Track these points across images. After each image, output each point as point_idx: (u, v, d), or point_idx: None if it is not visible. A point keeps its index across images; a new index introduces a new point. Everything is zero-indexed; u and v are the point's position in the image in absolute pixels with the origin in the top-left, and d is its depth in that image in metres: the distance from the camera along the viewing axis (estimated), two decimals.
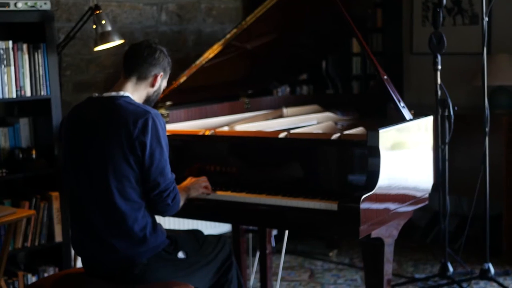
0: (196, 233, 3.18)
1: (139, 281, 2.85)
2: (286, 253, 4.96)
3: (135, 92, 2.96)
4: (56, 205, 4.08)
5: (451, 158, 4.40)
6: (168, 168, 2.87)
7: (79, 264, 4.18)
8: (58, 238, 4.09)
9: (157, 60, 2.98)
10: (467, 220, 4.81)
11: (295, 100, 4.56)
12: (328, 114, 4.13)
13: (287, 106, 4.33)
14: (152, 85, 3.00)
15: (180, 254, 2.96)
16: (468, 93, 5.16)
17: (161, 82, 3.05)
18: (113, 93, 2.92)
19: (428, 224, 5.37)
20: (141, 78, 2.97)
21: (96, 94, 2.98)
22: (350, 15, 3.59)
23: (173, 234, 3.03)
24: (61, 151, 4.04)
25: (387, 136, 3.04)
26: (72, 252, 4.15)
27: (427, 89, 5.21)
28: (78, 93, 4.61)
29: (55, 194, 4.07)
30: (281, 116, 4.21)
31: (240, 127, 3.75)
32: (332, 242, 5.09)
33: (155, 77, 2.99)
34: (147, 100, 3.03)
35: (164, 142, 2.85)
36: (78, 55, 4.59)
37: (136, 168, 2.80)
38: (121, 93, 2.92)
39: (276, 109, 4.36)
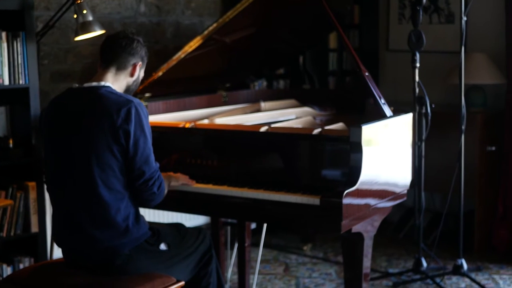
0: (178, 226, 3.19)
1: (121, 272, 2.85)
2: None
3: (115, 82, 2.97)
4: (32, 195, 4.04)
5: (425, 155, 4.45)
6: (152, 156, 2.88)
7: (55, 255, 4.16)
8: (34, 228, 4.06)
9: (135, 49, 3.00)
10: (439, 216, 4.89)
11: (272, 94, 4.57)
12: (306, 109, 4.16)
13: (264, 100, 4.34)
14: (132, 75, 3.02)
15: (162, 246, 2.97)
16: (442, 91, 5.22)
17: (140, 72, 3.07)
18: (94, 83, 2.92)
19: (401, 220, 5.43)
20: (120, 68, 2.98)
21: (76, 85, 2.97)
22: (331, 10, 3.62)
23: (155, 226, 3.04)
24: (39, 141, 4.01)
25: (369, 132, 3.07)
26: (48, 243, 4.13)
27: (402, 86, 5.28)
28: (55, 83, 4.57)
29: (31, 184, 4.04)
30: (259, 110, 4.22)
31: (220, 120, 3.75)
32: (307, 236, 5.12)
33: (134, 66, 3.01)
34: (127, 90, 3.04)
35: (148, 131, 2.86)
36: (56, 45, 4.55)
37: (120, 157, 2.80)
38: (102, 83, 2.93)
39: (253, 102, 4.37)
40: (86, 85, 2.93)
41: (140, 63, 3.04)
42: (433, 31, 5.35)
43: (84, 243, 2.84)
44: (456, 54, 4.48)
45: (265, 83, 5.48)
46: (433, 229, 5.07)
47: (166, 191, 3.01)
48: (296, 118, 3.95)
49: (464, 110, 4.28)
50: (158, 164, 2.92)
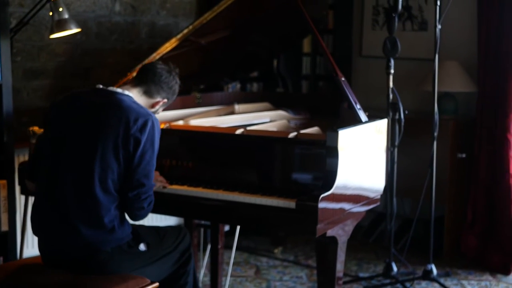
0: (157, 228, 3.20)
1: (100, 270, 2.85)
2: (231, 248, 4.98)
3: (136, 99, 3.03)
4: (3, 193, 3.97)
5: (397, 161, 4.48)
6: (153, 173, 2.92)
7: (25, 254, 4.11)
8: (4, 227, 3.99)
9: (169, 88, 3.13)
10: (409, 222, 4.93)
11: (246, 97, 4.58)
12: (280, 112, 4.17)
13: (238, 102, 4.35)
14: (152, 106, 3.12)
15: (142, 247, 2.99)
16: (414, 97, 5.27)
17: (160, 107, 3.18)
18: (119, 90, 2.99)
19: (371, 224, 5.47)
20: (147, 93, 3.07)
21: (101, 86, 3.02)
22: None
23: (135, 227, 3.04)
24: (11, 139, 3.95)
25: (345, 136, 3.09)
26: (18, 242, 4.07)
27: (375, 92, 5.32)
28: (28, 80, 4.52)
29: (2, 182, 3.97)
30: (233, 112, 4.22)
31: (195, 122, 3.75)
32: (278, 239, 5.13)
33: (158, 102, 3.12)
34: None
35: (156, 147, 2.92)
36: (30, 42, 4.49)
37: (123, 163, 2.83)
38: (126, 92, 2.99)
39: (227, 105, 4.37)
40: (110, 88, 3.00)
41: (166, 100, 3.14)
42: (406, 38, 5.39)
43: (68, 235, 2.84)
44: (428, 61, 4.53)
45: (239, 86, 5.49)
46: (403, 234, 5.11)
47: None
48: (271, 121, 3.97)
49: (437, 117, 4.33)
50: (154, 184, 2.97)
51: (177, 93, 3.20)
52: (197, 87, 4.56)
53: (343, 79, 3.48)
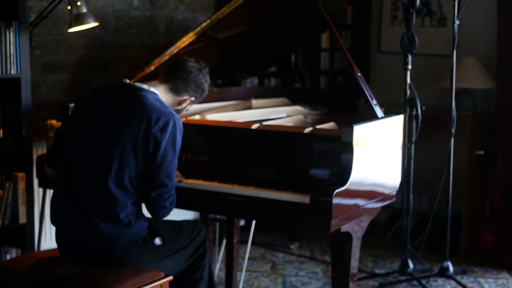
0: (172, 222, 3.20)
1: (116, 263, 2.87)
2: (247, 243, 5.00)
3: (162, 97, 3.01)
4: (21, 186, 4.02)
5: (414, 158, 4.46)
6: (175, 173, 2.93)
7: (43, 246, 4.15)
8: (22, 219, 4.04)
9: (197, 87, 3.11)
10: (425, 218, 4.91)
11: (263, 92, 4.58)
12: (297, 108, 4.16)
13: (255, 97, 4.35)
14: (179, 104, 3.10)
15: (157, 241, 2.99)
16: (433, 94, 5.24)
17: (187, 105, 3.15)
18: (145, 86, 2.97)
19: (388, 221, 5.45)
20: (174, 91, 3.06)
21: (127, 81, 3.01)
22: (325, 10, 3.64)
23: (151, 221, 3.04)
24: (29, 132, 3.99)
25: (360, 132, 3.08)
26: (36, 234, 4.12)
27: (393, 88, 5.29)
28: (46, 74, 4.55)
29: (21, 175, 4.02)
30: (250, 107, 4.22)
31: (211, 116, 3.75)
32: (294, 234, 5.13)
33: (185, 100, 3.09)
34: None
35: (178, 148, 2.91)
36: (49, 35, 4.53)
37: (141, 161, 2.83)
38: (152, 89, 2.97)
39: (244, 99, 4.37)
40: (137, 84, 2.98)
41: (193, 99, 3.12)
42: (425, 34, 5.37)
43: (86, 228, 2.86)
44: (447, 57, 4.50)
45: (256, 81, 5.49)
46: (420, 231, 5.10)
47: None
48: (287, 116, 3.96)
49: (454, 113, 4.31)
50: (176, 183, 2.98)
51: (206, 91, 3.17)
52: (214, 82, 4.57)
53: (359, 74, 3.47)
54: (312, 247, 5.13)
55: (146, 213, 2.98)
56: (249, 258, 4.82)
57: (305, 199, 2.98)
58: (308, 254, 5.00)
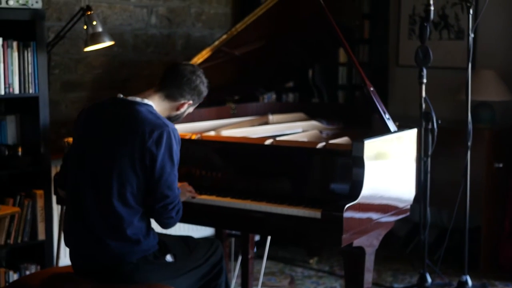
0: (187, 238, 3.21)
1: (127, 280, 2.88)
2: (267, 259, 5.00)
3: (159, 106, 3.00)
4: (40, 203, 4.08)
5: (433, 171, 4.45)
6: (176, 183, 2.91)
7: (61, 262, 4.20)
8: (41, 236, 4.10)
9: (192, 90, 3.05)
10: (446, 232, 4.87)
11: (281, 107, 4.60)
12: (313, 123, 4.18)
13: (273, 113, 4.37)
14: (177, 109, 3.07)
15: (168, 258, 3.00)
16: (452, 107, 5.22)
17: (187, 109, 3.11)
18: (138, 99, 2.96)
19: (408, 235, 5.43)
20: (169, 97, 3.02)
21: (121, 95, 3.00)
22: (338, 25, 3.65)
23: (162, 238, 3.05)
24: (47, 150, 4.05)
25: (371, 147, 3.09)
26: (55, 250, 4.16)
27: (412, 102, 5.27)
28: (65, 92, 4.62)
29: (39, 192, 4.08)
30: (266, 123, 4.24)
31: (226, 132, 3.78)
32: (313, 249, 5.13)
33: (183, 104, 3.06)
34: (168, 118, 3.04)
35: (176, 158, 2.89)
36: (67, 55, 4.60)
37: (141, 176, 2.83)
38: (146, 100, 2.96)
39: (262, 115, 4.40)
40: (130, 98, 2.97)
41: (191, 102, 3.08)
42: (443, 47, 5.36)
43: (95, 248, 2.88)
44: (465, 70, 4.48)
45: (274, 96, 5.51)
46: (440, 245, 5.05)
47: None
48: (303, 131, 3.98)
49: (470, 126, 4.29)
50: (179, 191, 2.97)
51: (204, 92, 3.11)
52: (232, 98, 4.60)
53: (371, 89, 3.48)
54: (331, 261, 5.12)
55: (156, 227, 3.00)
56: (267, 273, 4.83)
57: (316, 214, 2.99)
58: (327, 268, 4.99)
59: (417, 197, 3.61)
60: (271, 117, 4.32)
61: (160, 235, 3.05)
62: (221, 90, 4.40)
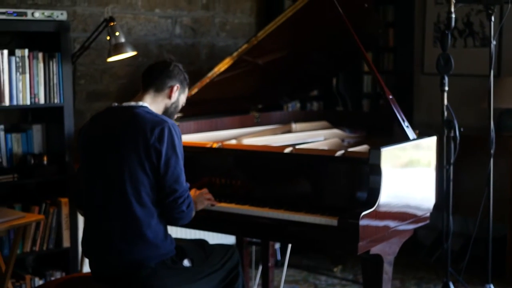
0: (202, 243, 3.26)
1: (145, 286, 2.92)
2: (291, 267, 5.02)
3: (153, 104, 3.09)
4: (65, 211, 4.15)
5: (458, 179, 4.42)
6: (183, 176, 2.97)
7: (86, 269, 4.25)
8: (66, 243, 4.17)
9: (171, 72, 3.12)
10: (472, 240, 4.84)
11: (305, 116, 4.62)
12: (335, 131, 4.19)
13: (296, 121, 4.39)
14: (169, 97, 3.13)
15: (186, 262, 3.04)
16: (477, 114, 5.19)
17: (179, 96, 3.17)
18: (132, 103, 3.06)
19: (433, 243, 5.39)
20: (158, 90, 3.10)
21: (116, 104, 3.09)
22: (362, 33, 3.66)
23: (179, 243, 3.10)
24: (72, 159, 4.12)
25: (389, 154, 3.09)
26: (79, 257, 4.22)
27: (437, 109, 5.23)
28: (91, 102, 4.69)
29: (64, 200, 4.15)
30: (289, 131, 4.27)
31: (248, 141, 3.81)
32: (337, 257, 5.13)
33: (171, 88, 3.12)
34: (165, 112, 3.14)
35: (180, 151, 2.96)
36: (93, 65, 4.67)
37: (151, 175, 2.90)
38: (140, 103, 3.06)
39: (285, 124, 4.42)
40: (125, 104, 3.06)
41: (178, 85, 3.14)
42: (468, 55, 5.34)
43: (113, 254, 2.93)
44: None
45: (298, 105, 5.53)
46: (466, 254, 5.02)
47: (194, 213, 3.08)
48: (325, 139, 3.99)
49: (493, 134, 4.26)
50: (188, 184, 3.01)
51: (184, 74, 3.18)
52: (255, 106, 4.63)
53: (390, 96, 3.48)
54: (355, 270, 5.12)
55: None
56: (291, 281, 4.84)
57: (333, 221, 3.00)
58: (350, 277, 4.98)
59: (441, 205, 3.59)
60: (294, 126, 4.34)
61: (176, 240, 3.09)
62: (245, 99, 4.45)
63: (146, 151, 2.88)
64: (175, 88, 3.12)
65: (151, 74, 3.12)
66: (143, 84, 3.13)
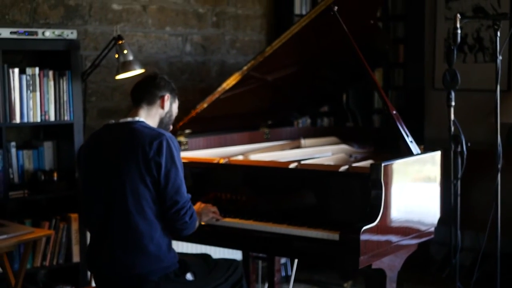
0: (205, 256, 3.29)
1: None
2: (301, 282, 5.02)
3: (148, 118, 3.15)
4: (75, 226, 4.21)
5: (468, 194, 4.41)
6: (183, 187, 3.02)
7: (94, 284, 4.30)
8: (76, 258, 4.22)
9: (158, 84, 3.20)
10: (483, 256, 4.82)
11: (315, 132, 4.65)
12: (343, 147, 4.21)
13: (306, 137, 4.42)
14: (162, 107, 3.20)
15: (188, 276, 3.07)
16: (487, 129, 5.18)
17: (171, 105, 3.25)
18: (129, 119, 3.12)
19: (445, 258, 5.37)
20: (150, 103, 3.17)
21: (113, 121, 3.14)
22: (369, 49, 3.68)
23: (181, 257, 3.14)
24: (80, 176, 4.17)
25: (390, 169, 3.12)
26: (89, 272, 4.27)
27: (447, 125, 5.25)
28: (102, 119, 4.75)
29: (74, 216, 4.21)
30: (298, 147, 4.29)
31: (255, 157, 3.84)
32: (347, 272, 5.10)
33: (162, 99, 3.19)
34: (161, 123, 3.21)
35: (179, 163, 3.01)
36: (103, 83, 4.74)
37: (153, 188, 2.95)
38: (136, 118, 3.12)
39: (295, 139, 4.45)
40: (121, 120, 3.12)
41: (168, 95, 3.21)
42: (479, 70, 5.34)
43: (116, 269, 2.98)
44: (501, 92, 4.46)
45: (309, 121, 5.56)
46: (476, 269, 5.00)
47: (197, 224, 3.11)
48: (332, 155, 4.01)
49: (500, 148, 4.25)
50: (189, 195, 3.05)
51: (173, 86, 3.25)
52: (265, 122, 4.66)
53: (394, 112, 3.51)
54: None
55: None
56: None
57: (334, 236, 3.02)
58: None
59: (450, 220, 3.58)
60: (303, 141, 4.37)
61: (179, 254, 3.13)
62: (255, 115, 4.48)
63: (146, 165, 2.93)
64: (165, 97, 3.19)
65: (140, 89, 3.19)
66: (134, 100, 3.19)
